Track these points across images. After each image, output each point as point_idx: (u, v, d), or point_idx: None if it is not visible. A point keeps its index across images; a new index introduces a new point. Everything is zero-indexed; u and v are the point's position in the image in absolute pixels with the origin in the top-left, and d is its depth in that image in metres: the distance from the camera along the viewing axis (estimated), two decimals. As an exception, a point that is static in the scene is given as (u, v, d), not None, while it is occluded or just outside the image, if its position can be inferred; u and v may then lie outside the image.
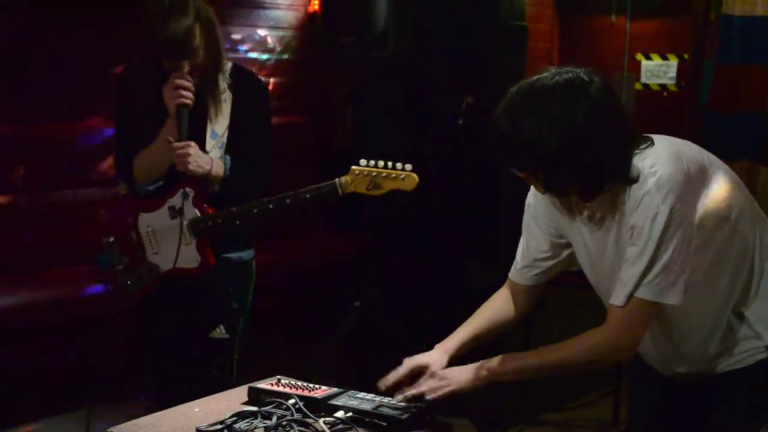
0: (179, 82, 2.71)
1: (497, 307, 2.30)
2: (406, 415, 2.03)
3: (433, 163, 4.58)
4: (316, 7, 5.62)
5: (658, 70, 6.94)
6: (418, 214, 4.63)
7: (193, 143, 2.74)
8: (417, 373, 2.18)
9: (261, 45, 5.59)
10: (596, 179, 1.92)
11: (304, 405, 2.05)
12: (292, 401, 2.07)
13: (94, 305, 3.83)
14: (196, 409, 2.15)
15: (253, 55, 5.55)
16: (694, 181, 1.91)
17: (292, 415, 2.03)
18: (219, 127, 2.83)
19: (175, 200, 2.80)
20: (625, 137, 1.93)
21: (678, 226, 1.87)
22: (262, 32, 5.61)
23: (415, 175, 2.63)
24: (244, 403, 2.18)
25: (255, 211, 2.76)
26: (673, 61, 6.91)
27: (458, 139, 4.52)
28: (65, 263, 4.32)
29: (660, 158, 1.90)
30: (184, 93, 2.71)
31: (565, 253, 2.20)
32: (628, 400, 2.47)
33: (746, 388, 2.05)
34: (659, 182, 1.87)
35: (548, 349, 2.08)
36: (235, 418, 2.02)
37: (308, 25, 5.83)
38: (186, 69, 2.71)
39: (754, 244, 2.03)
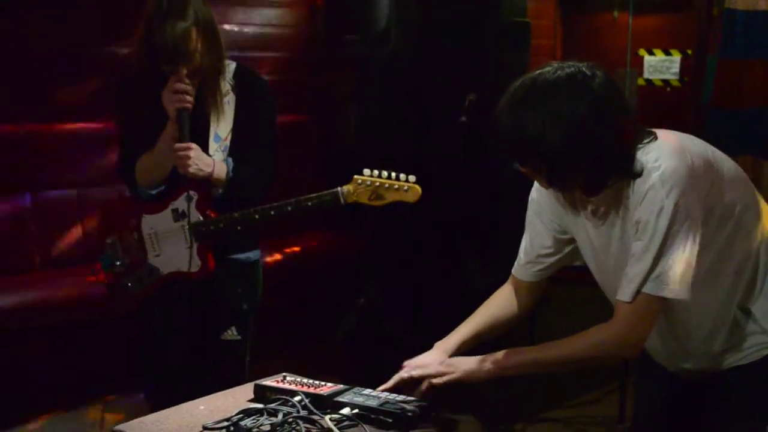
0: (178, 86, 2.68)
1: (499, 304, 2.30)
2: (411, 412, 2.03)
3: (435, 160, 4.59)
4: (319, 4, 5.62)
5: (661, 66, 6.94)
6: (419, 213, 4.63)
7: (194, 145, 2.72)
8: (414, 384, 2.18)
9: (263, 43, 5.59)
10: (600, 174, 1.91)
11: (310, 402, 2.05)
12: (298, 398, 2.07)
13: (95, 306, 3.84)
14: (202, 407, 2.15)
15: (255, 53, 5.55)
16: (699, 175, 1.90)
17: (298, 412, 2.02)
18: (222, 129, 2.81)
19: (179, 203, 2.79)
20: (628, 131, 1.92)
21: (683, 220, 1.87)
22: (264, 30, 5.62)
23: (418, 187, 2.62)
24: (250, 401, 2.18)
25: (256, 216, 2.74)
26: (676, 57, 6.91)
27: (460, 137, 4.52)
28: (68, 263, 4.33)
29: (664, 152, 1.90)
30: (183, 97, 2.69)
31: (569, 248, 2.20)
32: (634, 397, 2.46)
33: (753, 384, 2.05)
34: (663, 176, 1.87)
35: (555, 344, 2.08)
36: (241, 416, 2.02)
37: (310, 23, 5.84)
38: (184, 72, 2.68)
39: (759, 239, 2.02)
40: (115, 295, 2.94)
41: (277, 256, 4.86)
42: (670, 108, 6.49)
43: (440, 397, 2.17)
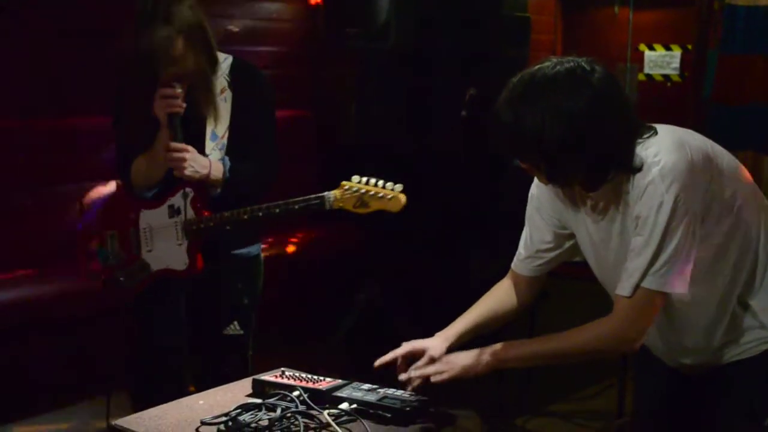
0: (165, 91, 2.68)
1: (499, 297, 2.30)
2: (410, 407, 2.03)
3: (435, 155, 4.59)
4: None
5: (662, 61, 6.93)
6: (420, 207, 4.62)
7: (189, 147, 2.72)
8: (414, 356, 2.18)
9: (263, 37, 5.59)
10: (599, 169, 1.91)
11: (308, 397, 2.06)
12: (296, 393, 2.07)
13: (95, 301, 3.84)
14: (201, 402, 2.15)
15: (256, 47, 5.54)
16: (698, 170, 1.89)
17: (297, 407, 2.03)
18: (219, 127, 2.80)
19: (176, 200, 2.79)
20: (627, 126, 1.92)
21: (683, 215, 1.86)
22: (264, 24, 5.61)
23: (401, 197, 2.59)
24: (249, 396, 2.18)
25: (245, 217, 2.73)
26: (677, 52, 6.90)
27: (461, 132, 4.52)
28: (68, 258, 4.33)
29: (663, 147, 1.89)
30: (172, 102, 2.69)
31: (568, 243, 2.20)
32: (633, 392, 2.46)
33: (752, 378, 2.05)
34: (663, 171, 1.86)
35: (554, 337, 2.08)
36: (239, 410, 2.02)
37: (310, 17, 5.83)
38: (172, 77, 2.68)
39: (759, 233, 2.02)
40: (109, 290, 2.94)
41: (277, 250, 4.85)
42: (670, 103, 6.48)
43: (439, 391, 2.17)
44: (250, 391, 2.20)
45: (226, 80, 2.82)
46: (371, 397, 2.07)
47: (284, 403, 2.05)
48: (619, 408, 3.93)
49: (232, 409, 2.03)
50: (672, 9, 6.92)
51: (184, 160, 2.70)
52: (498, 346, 2.11)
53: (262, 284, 3.04)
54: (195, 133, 2.76)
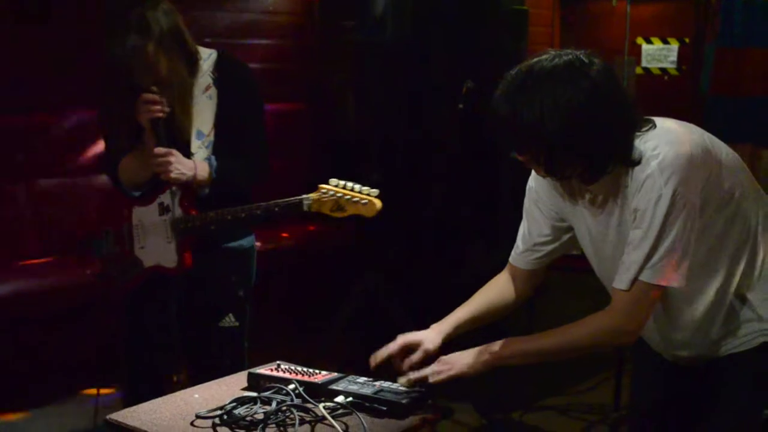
0: (145, 97, 2.69)
1: (496, 290, 2.29)
2: (407, 400, 2.03)
3: (432, 148, 4.58)
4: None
5: (659, 54, 6.92)
6: (419, 199, 4.62)
7: (174, 151, 2.73)
8: (409, 350, 2.17)
9: (259, 30, 5.57)
10: (598, 162, 1.90)
11: (303, 390, 2.05)
12: (291, 386, 2.06)
13: (89, 295, 3.83)
14: (196, 395, 2.15)
15: (252, 40, 5.53)
16: (697, 163, 1.89)
17: (292, 400, 2.02)
18: (204, 126, 2.80)
19: (165, 197, 2.80)
20: (626, 119, 1.91)
21: (681, 208, 1.86)
22: (261, 17, 5.59)
23: (376, 202, 2.57)
24: (244, 389, 2.17)
25: (229, 218, 2.75)
26: (674, 45, 6.89)
27: (458, 124, 4.50)
28: (64, 251, 4.32)
29: (662, 140, 1.89)
30: (152, 107, 2.70)
31: (566, 236, 2.19)
32: (630, 385, 2.46)
33: (749, 371, 2.04)
34: (662, 164, 1.85)
35: (551, 333, 2.07)
36: (234, 404, 2.01)
37: (307, 10, 5.81)
38: (150, 83, 2.68)
39: (756, 225, 2.01)
40: (103, 285, 2.95)
41: (275, 243, 4.84)
42: (667, 97, 6.48)
43: (436, 384, 2.17)
44: (245, 384, 2.19)
45: (211, 77, 2.81)
46: (367, 390, 2.06)
47: (280, 397, 2.04)
48: (616, 401, 3.94)
49: (227, 402, 2.03)
50: (670, 2, 6.92)
51: (169, 163, 2.71)
52: (496, 344, 2.10)
53: (255, 276, 3.04)
54: (179, 135, 2.77)
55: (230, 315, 2.91)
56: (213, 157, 2.79)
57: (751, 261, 2.01)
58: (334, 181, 2.64)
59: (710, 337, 2.06)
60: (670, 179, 1.85)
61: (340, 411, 1.99)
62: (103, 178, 3.02)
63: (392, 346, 2.19)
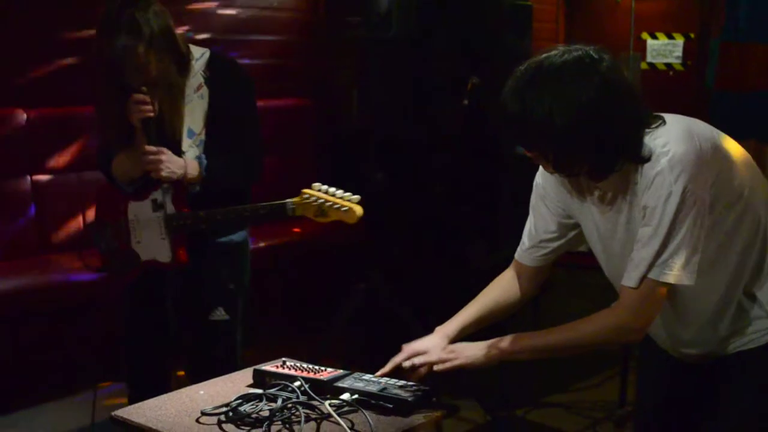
0: (137, 97, 2.73)
1: (502, 288, 2.28)
2: (412, 397, 2.02)
3: (437, 144, 4.57)
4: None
5: (664, 50, 6.90)
6: (422, 196, 4.61)
7: (165, 150, 2.76)
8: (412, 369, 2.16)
9: (264, 26, 5.56)
10: (607, 159, 1.89)
11: (309, 387, 2.04)
12: (297, 383, 2.06)
13: (92, 290, 3.84)
14: (201, 392, 2.14)
15: (257, 36, 5.52)
16: (707, 160, 1.88)
17: (298, 397, 2.02)
18: (195, 124, 2.82)
19: (158, 194, 2.83)
20: (636, 116, 1.90)
21: (691, 206, 1.85)
22: (266, 13, 5.58)
23: (357, 209, 2.59)
24: (249, 386, 2.17)
25: (218, 217, 2.81)
26: (679, 40, 6.87)
27: (463, 120, 4.49)
28: (67, 248, 4.32)
29: (672, 137, 1.88)
30: (143, 108, 2.73)
31: (573, 233, 2.18)
32: (637, 382, 2.45)
33: (756, 369, 2.03)
34: (672, 161, 1.84)
35: (559, 329, 2.06)
36: (240, 401, 2.01)
37: (312, 6, 5.81)
38: (141, 84, 2.72)
39: (766, 222, 2.00)
40: (99, 276, 3.03)
41: (278, 240, 4.84)
42: (673, 92, 6.45)
43: (441, 381, 2.16)
44: (250, 381, 2.19)
45: (203, 76, 2.83)
46: (373, 388, 2.05)
47: (285, 394, 2.04)
48: (621, 398, 3.93)
49: (232, 399, 2.03)
50: (674, -3, 6.90)
51: (160, 162, 2.74)
52: (503, 339, 2.10)
53: (248, 272, 3.06)
54: (170, 134, 2.80)
55: (220, 309, 2.94)
56: (203, 156, 2.82)
57: (760, 258, 2.00)
58: (317, 185, 2.67)
59: (718, 334, 2.05)
60: (680, 176, 1.83)
61: (345, 408, 1.99)
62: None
63: (397, 358, 2.18)
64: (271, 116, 5.48)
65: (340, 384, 2.08)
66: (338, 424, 1.91)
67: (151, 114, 2.75)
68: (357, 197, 2.61)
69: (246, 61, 5.25)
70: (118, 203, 2.89)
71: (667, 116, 1.95)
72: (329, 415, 1.95)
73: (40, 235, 4.38)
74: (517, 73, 1.90)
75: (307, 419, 1.94)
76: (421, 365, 2.13)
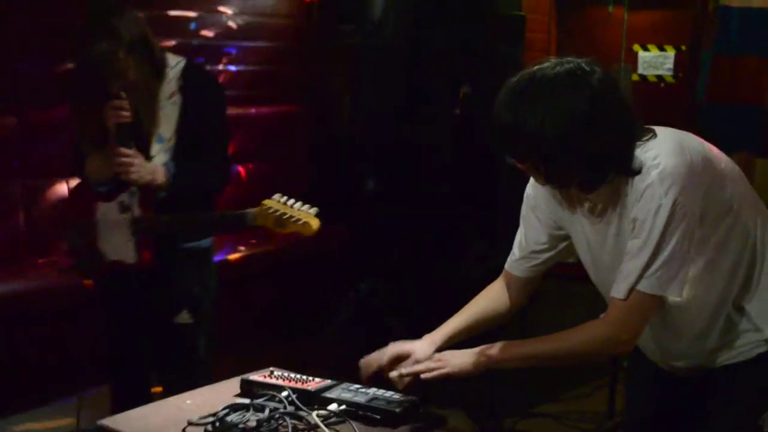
0: (114, 103, 2.78)
1: (491, 298, 2.28)
2: (399, 408, 2.01)
3: (428, 152, 4.58)
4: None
5: (656, 62, 6.92)
6: (415, 204, 4.62)
7: (138, 154, 2.81)
8: (400, 359, 2.16)
9: (257, 32, 5.56)
10: (598, 171, 1.89)
11: (297, 397, 2.04)
12: (284, 393, 2.05)
13: (78, 295, 3.82)
14: (188, 401, 2.13)
15: (250, 42, 5.52)
16: (698, 173, 1.88)
17: (285, 407, 2.01)
18: (166, 131, 2.87)
19: (125, 196, 2.88)
20: (627, 128, 1.90)
21: (681, 219, 1.85)
22: (259, 20, 5.58)
23: (314, 222, 2.62)
24: (237, 396, 2.16)
25: (181, 223, 2.89)
26: (671, 53, 6.89)
27: (454, 129, 4.50)
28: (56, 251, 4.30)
29: (663, 150, 1.88)
30: (119, 112, 2.78)
31: (563, 245, 2.18)
32: (625, 394, 2.45)
33: (745, 382, 2.03)
34: (662, 174, 1.84)
35: (548, 338, 2.06)
36: (227, 411, 2.00)
37: (305, 13, 5.81)
38: (118, 88, 2.76)
39: (755, 235, 2.01)
40: (69, 273, 3.08)
41: (267, 248, 4.83)
42: (663, 104, 6.47)
43: (428, 392, 2.15)
44: (238, 391, 2.18)
45: (177, 84, 2.89)
46: (360, 398, 2.05)
47: (272, 404, 2.03)
48: (610, 409, 3.93)
49: (219, 409, 2.01)
50: (666, 10, 6.92)
51: (131, 165, 2.79)
52: (490, 347, 2.09)
53: (214, 278, 3.11)
54: (142, 139, 2.84)
55: (185, 312, 2.97)
56: (171, 163, 2.87)
57: (749, 271, 2.00)
58: (277, 196, 2.71)
59: (707, 347, 2.05)
60: (671, 189, 1.84)
61: (333, 419, 1.98)
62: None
63: (383, 357, 2.17)
64: (264, 122, 5.48)
65: (327, 394, 2.07)
66: (325, 434, 1.90)
67: (128, 118, 2.79)
68: (315, 210, 2.65)
69: (239, 68, 5.25)
70: (88, 203, 2.94)
71: (658, 129, 1.95)
72: (316, 426, 1.94)
73: (32, 237, 4.36)
74: (509, 84, 1.90)
75: (294, 430, 1.93)
76: (408, 375, 2.12)
